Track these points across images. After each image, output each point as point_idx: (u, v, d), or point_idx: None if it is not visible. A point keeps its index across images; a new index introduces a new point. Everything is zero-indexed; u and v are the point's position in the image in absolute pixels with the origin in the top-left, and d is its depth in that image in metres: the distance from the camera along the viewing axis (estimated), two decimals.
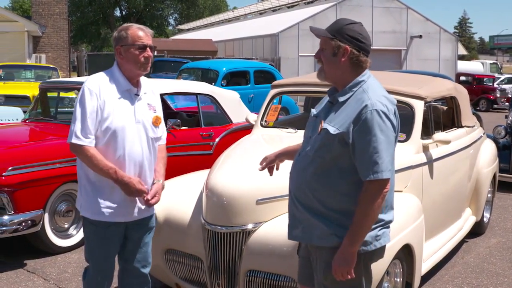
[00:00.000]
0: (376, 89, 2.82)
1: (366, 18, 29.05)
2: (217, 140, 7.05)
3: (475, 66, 38.93)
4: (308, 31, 3.06)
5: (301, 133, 4.91)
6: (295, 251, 3.60)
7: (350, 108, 2.78)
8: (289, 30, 29.53)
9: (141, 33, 3.36)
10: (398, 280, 4.16)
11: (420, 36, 32.29)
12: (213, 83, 12.69)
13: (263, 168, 3.35)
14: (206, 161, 6.35)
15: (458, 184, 5.64)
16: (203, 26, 53.23)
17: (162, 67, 19.13)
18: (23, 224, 5.35)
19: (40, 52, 25.44)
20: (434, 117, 5.33)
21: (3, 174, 5.22)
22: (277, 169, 3.36)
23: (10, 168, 5.26)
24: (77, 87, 7.18)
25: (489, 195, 6.82)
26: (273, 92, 5.70)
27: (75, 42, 59.06)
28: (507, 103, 23.25)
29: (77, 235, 5.89)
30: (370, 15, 30.77)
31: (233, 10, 59.69)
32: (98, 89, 3.30)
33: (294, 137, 5.04)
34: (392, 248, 3.64)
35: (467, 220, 6.09)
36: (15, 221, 5.30)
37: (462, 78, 27.57)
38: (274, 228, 3.83)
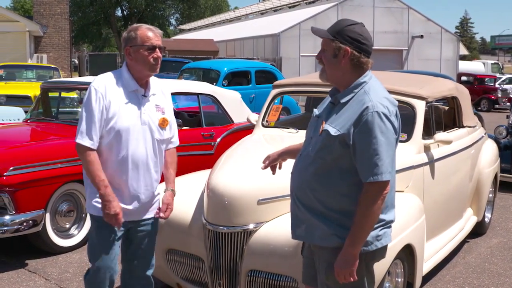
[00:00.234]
0: (377, 91, 2.82)
1: (367, 18, 29.07)
2: (218, 140, 7.05)
3: (477, 66, 38.90)
4: (310, 31, 3.06)
5: (302, 133, 4.91)
6: (297, 251, 3.61)
7: (351, 110, 2.78)
8: (290, 30, 29.52)
9: (151, 33, 3.35)
10: (400, 280, 4.16)
11: (422, 36, 32.27)
12: (215, 83, 12.69)
13: (266, 167, 3.35)
14: (207, 161, 6.36)
15: (459, 184, 5.64)
16: (204, 26, 53.25)
17: (163, 67, 18.92)
18: (25, 224, 5.35)
19: (42, 52, 25.44)
20: (435, 117, 5.32)
21: (5, 174, 5.22)
22: (279, 168, 3.37)
23: (11, 168, 5.26)
24: (78, 87, 7.21)
25: (490, 195, 6.82)
26: (274, 92, 5.70)
27: (76, 42, 59.10)
28: (508, 103, 23.26)
29: (79, 235, 5.89)
30: (372, 15, 30.77)
31: (234, 10, 59.73)
32: (104, 89, 3.30)
33: (295, 137, 5.04)
34: (393, 248, 3.64)
35: (469, 220, 6.09)
36: (17, 221, 5.30)
37: (464, 78, 27.55)
38: (275, 228, 3.83)
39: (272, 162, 3.33)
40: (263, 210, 3.89)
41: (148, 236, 3.54)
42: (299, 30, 29.27)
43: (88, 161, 3.26)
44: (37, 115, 7.23)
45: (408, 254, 4.13)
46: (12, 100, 12.66)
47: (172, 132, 3.58)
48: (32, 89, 13.19)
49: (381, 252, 2.92)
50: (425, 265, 4.66)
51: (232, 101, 7.67)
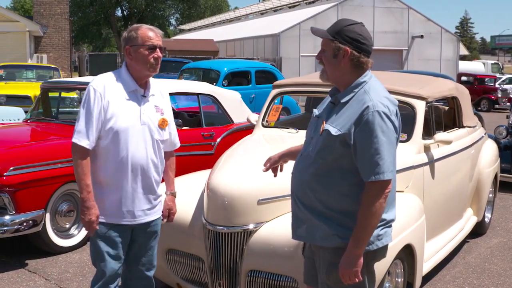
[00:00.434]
0: (377, 90, 2.82)
1: (367, 18, 29.08)
2: (218, 140, 7.05)
3: (477, 66, 38.90)
4: (310, 31, 3.06)
5: (302, 133, 4.91)
6: (297, 251, 3.61)
7: (351, 109, 2.78)
8: (290, 30, 29.53)
9: (151, 33, 3.34)
10: (399, 280, 4.16)
11: (422, 36, 32.27)
12: (215, 83, 12.69)
13: (267, 169, 3.34)
14: (208, 161, 6.36)
15: (459, 184, 5.64)
16: (204, 26, 53.26)
17: (163, 67, 18.96)
18: (25, 224, 5.35)
19: (42, 52, 25.45)
20: (435, 117, 5.32)
21: (5, 174, 5.22)
22: (281, 170, 3.36)
23: (11, 168, 5.26)
24: (78, 87, 7.21)
25: (490, 195, 6.82)
26: (274, 92, 5.70)
27: (76, 42, 59.12)
28: (508, 103, 23.26)
29: (79, 235, 5.89)
30: (372, 15, 30.77)
31: (234, 10, 59.74)
32: (103, 88, 3.28)
33: (295, 137, 5.04)
34: (393, 248, 3.64)
35: (469, 220, 6.09)
36: (17, 221, 5.30)
37: (464, 78, 27.56)
38: (275, 228, 3.83)
39: (273, 165, 3.33)
40: (263, 210, 3.89)
41: (150, 238, 3.53)
42: (299, 30, 29.27)
43: (79, 162, 3.25)
44: (37, 115, 7.23)
45: (408, 254, 4.13)
46: (12, 100, 12.67)
47: (172, 134, 3.57)
48: (32, 89, 13.20)
49: (382, 251, 2.93)
50: (425, 265, 4.66)
51: (232, 101, 7.67)
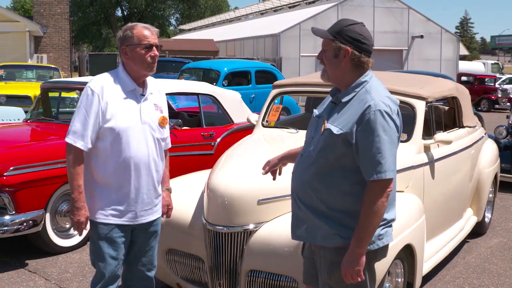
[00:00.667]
0: (379, 90, 2.83)
1: (367, 18, 29.08)
2: (218, 140, 7.05)
3: (477, 66, 38.90)
4: (310, 31, 3.06)
5: (302, 133, 4.91)
6: (297, 251, 3.61)
7: (353, 109, 2.78)
8: (290, 30, 29.52)
9: (147, 32, 3.32)
10: (400, 280, 4.16)
11: (422, 36, 32.27)
12: (215, 83, 12.69)
13: (266, 172, 3.33)
14: (208, 161, 6.36)
15: (459, 184, 5.64)
16: (204, 26, 53.24)
17: (163, 67, 19.12)
18: (25, 224, 5.35)
19: (42, 52, 25.46)
20: (435, 117, 5.32)
21: (5, 174, 5.22)
22: (279, 174, 3.35)
23: (11, 168, 5.26)
24: (78, 87, 7.20)
25: (490, 195, 6.82)
26: (274, 92, 5.70)
27: (76, 42, 59.10)
28: (508, 103, 23.26)
29: (79, 235, 5.88)
30: (372, 15, 30.77)
31: (234, 10, 59.73)
32: (101, 89, 3.26)
33: (295, 137, 5.04)
34: (393, 248, 3.64)
35: (469, 220, 6.09)
36: (17, 221, 5.31)
37: (464, 78, 27.55)
38: (275, 228, 3.83)
39: (273, 167, 3.32)
40: (263, 210, 3.89)
41: (151, 238, 3.52)
42: (299, 30, 29.27)
43: (72, 163, 3.24)
44: (37, 115, 7.23)
45: (408, 254, 4.13)
46: (12, 100, 12.67)
47: (168, 132, 3.58)
48: (32, 89, 13.19)
49: (383, 251, 2.93)
50: (425, 265, 4.66)
51: (232, 101, 7.67)
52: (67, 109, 9.06)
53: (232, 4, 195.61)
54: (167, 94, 6.91)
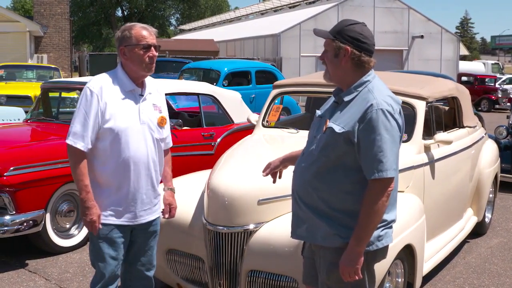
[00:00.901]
0: (381, 89, 2.83)
1: (367, 18, 29.06)
2: (218, 140, 7.05)
3: (477, 67, 38.88)
4: (310, 31, 3.08)
5: (302, 133, 4.92)
6: (297, 252, 3.61)
7: (355, 108, 2.79)
8: (290, 30, 29.52)
9: (145, 32, 3.32)
10: (400, 280, 4.16)
11: (422, 36, 32.26)
12: (215, 83, 12.69)
13: (267, 175, 3.32)
14: (208, 161, 6.36)
15: (459, 185, 5.64)
16: (204, 26, 53.24)
17: (163, 67, 19.13)
18: (25, 224, 5.35)
19: (42, 52, 25.46)
20: (435, 117, 5.32)
21: (5, 174, 5.22)
22: (279, 177, 3.33)
23: (11, 168, 5.26)
24: (78, 87, 7.20)
25: (490, 195, 6.82)
26: (274, 92, 5.70)
27: (76, 42, 59.16)
28: (508, 104, 23.24)
29: (79, 235, 5.90)
30: (372, 15, 30.77)
31: (234, 10, 59.72)
32: (100, 90, 3.26)
33: (295, 137, 5.04)
34: (393, 248, 3.64)
35: (469, 220, 6.09)
36: (17, 221, 5.31)
37: (464, 78, 27.55)
38: (275, 228, 3.83)
39: (274, 170, 3.31)
40: (263, 210, 3.89)
41: (150, 237, 3.52)
42: (299, 30, 29.27)
43: (76, 164, 3.24)
44: (38, 115, 7.24)
45: (408, 254, 4.13)
46: (12, 100, 12.67)
47: (168, 132, 3.58)
48: (32, 89, 13.20)
49: (382, 252, 2.93)
50: (425, 265, 4.66)
51: (232, 101, 7.67)
52: (68, 109, 9.06)
53: (232, 4, 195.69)
54: (167, 94, 6.94)
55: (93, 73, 23.00)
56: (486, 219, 6.73)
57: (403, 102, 4.77)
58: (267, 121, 5.57)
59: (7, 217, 5.28)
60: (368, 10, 30.94)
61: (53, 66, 18.45)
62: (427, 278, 5.01)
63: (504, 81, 31.12)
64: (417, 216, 4.27)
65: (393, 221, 2.94)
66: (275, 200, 3.91)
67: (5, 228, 5.26)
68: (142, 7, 59.36)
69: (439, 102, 6.13)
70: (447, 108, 6.44)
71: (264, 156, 4.70)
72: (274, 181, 3.36)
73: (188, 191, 4.42)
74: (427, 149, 4.90)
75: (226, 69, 14.52)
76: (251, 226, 3.86)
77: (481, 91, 26.52)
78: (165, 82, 7.79)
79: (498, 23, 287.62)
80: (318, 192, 2.84)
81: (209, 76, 14.76)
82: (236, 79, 14.78)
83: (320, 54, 2.98)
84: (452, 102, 6.04)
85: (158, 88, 3.54)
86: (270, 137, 5.35)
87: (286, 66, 27.46)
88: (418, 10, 33.05)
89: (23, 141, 6.29)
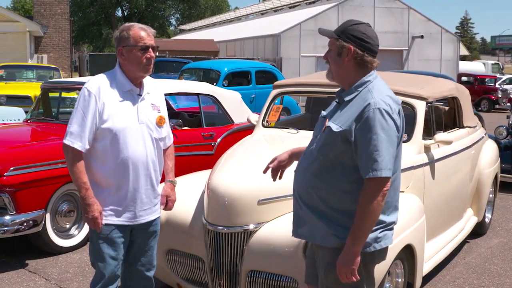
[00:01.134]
0: (381, 89, 2.84)
1: (368, 18, 29.03)
2: (218, 140, 7.05)
3: (477, 67, 38.87)
4: (310, 32, 3.09)
5: (302, 133, 4.92)
6: (297, 252, 3.61)
7: (354, 107, 2.80)
8: (290, 30, 29.51)
9: (143, 33, 3.32)
10: (400, 280, 4.16)
11: (422, 37, 32.25)
12: (215, 83, 12.69)
13: (274, 166, 3.23)
14: (208, 162, 6.36)
15: (459, 185, 5.64)
16: (204, 26, 53.24)
17: (163, 67, 19.13)
18: (25, 224, 5.36)
19: (42, 52, 25.46)
20: (435, 117, 5.32)
21: (5, 174, 5.22)
22: (280, 178, 3.28)
23: (11, 168, 5.27)
24: (78, 87, 7.19)
25: (490, 195, 6.82)
26: (274, 92, 5.70)
27: (76, 42, 59.16)
28: (508, 104, 23.24)
29: (79, 235, 5.89)
30: (372, 16, 30.76)
31: (234, 10, 59.72)
32: (98, 90, 3.26)
33: (295, 138, 5.04)
34: (393, 248, 3.64)
35: (469, 220, 6.09)
36: (17, 221, 5.31)
37: (464, 78, 27.54)
38: (275, 229, 3.83)
39: (280, 163, 3.26)
40: (263, 210, 3.89)
41: (150, 237, 3.52)
42: (299, 30, 29.26)
43: (73, 163, 3.25)
44: (38, 115, 7.24)
45: (408, 254, 4.13)
46: (12, 100, 12.67)
47: (167, 130, 3.57)
48: (32, 89, 13.20)
49: (381, 254, 2.92)
50: (426, 265, 4.66)
51: (232, 101, 7.67)
52: (68, 109, 9.05)
53: (232, 4, 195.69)
54: (167, 94, 6.94)
55: (93, 73, 22.99)
56: (486, 219, 6.73)
57: (403, 102, 4.77)
58: (267, 121, 5.57)
59: (7, 217, 5.28)
60: (368, 10, 30.94)
61: (53, 66, 18.45)
62: (427, 278, 5.01)
63: (504, 81, 31.12)
64: (417, 216, 4.27)
65: (393, 223, 2.93)
66: (275, 200, 3.91)
67: (5, 228, 5.27)
68: (142, 7, 59.35)
69: (439, 102, 6.13)
70: (447, 108, 6.44)
71: (264, 156, 4.69)
72: (274, 180, 3.34)
73: (188, 191, 4.42)
74: (427, 149, 4.90)
75: (226, 69, 14.52)
76: (251, 226, 3.86)
77: (481, 91, 26.52)
78: (165, 82, 7.79)
79: (498, 23, 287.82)
80: (317, 191, 2.84)
81: (209, 76, 14.76)
82: (236, 79, 14.78)
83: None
84: (452, 102, 6.04)
85: (156, 88, 3.54)
86: (270, 137, 5.35)
87: (286, 66, 27.45)
88: (418, 10, 33.06)
89: (23, 141, 6.29)
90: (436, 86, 5.57)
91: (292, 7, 40.27)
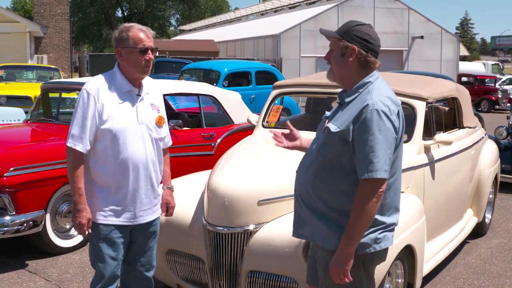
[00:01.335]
0: (381, 90, 2.84)
1: (367, 19, 29.00)
2: (218, 140, 7.05)
3: (477, 67, 38.85)
4: (310, 32, 3.09)
5: (302, 133, 4.92)
6: (297, 252, 3.62)
7: (353, 108, 2.80)
8: (290, 31, 29.51)
9: (142, 34, 3.31)
10: (400, 281, 4.16)
11: (422, 37, 32.25)
12: (215, 84, 12.68)
13: (287, 134, 3.23)
14: (208, 162, 6.36)
15: (459, 185, 5.64)
16: (204, 26, 53.26)
17: (163, 67, 19.13)
18: (25, 224, 5.36)
19: (42, 53, 25.45)
20: (435, 117, 5.32)
21: (5, 174, 5.22)
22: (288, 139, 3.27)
23: (11, 168, 5.27)
24: (78, 87, 7.19)
25: (490, 196, 6.82)
26: (274, 92, 5.70)
27: (76, 42, 59.16)
28: (508, 104, 23.24)
29: (79, 236, 5.89)
30: (372, 16, 30.76)
31: (234, 10, 59.71)
32: (97, 91, 3.27)
33: None
34: (393, 249, 3.64)
35: (469, 221, 6.09)
36: (17, 221, 5.31)
37: (464, 79, 27.53)
38: (275, 229, 3.83)
39: (296, 135, 3.23)
40: (263, 211, 3.89)
41: (150, 238, 3.52)
42: (299, 31, 29.26)
43: (73, 166, 3.27)
44: (38, 116, 7.24)
45: (408, 254, 4.13)
46: (12, 100, 12.67)
47: (166, 131, 3.58)
48: (32, 89, 13.20)
49: (381, 255, 2.92)
50: (426, 265, 4.66)
51: (232, 102, 7.68)
52: (68, 110, 9.06)
53: (232, 5, 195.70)
54: (167, 94, 6.95)
55: (93, 74, 22.97)
56: (486, 220, 6.73)
57: (403, 103, 4.78)
58: (267, 122, 5.57)
59: (7, 218, 5.28)
60: (368, 11, 30.94)
61: (53, 66, 18.44)
62: (427, 278, 5.01)
63: (504, 81, 31.13)
64: (417, 217, 4.27)
65: (394, 224, 2.93)
66: (275, 200, 3.91)
67: (5, 228, 5.27)
68: (142, 8, 59.35)
69: (439, 102, 6.13)
70: (447, 108, 6.44)
71: (264, 156, 4.71)
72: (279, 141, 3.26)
73: (188, 191, 4.42)
74: (427, 149, 4.90)
75: (226, 69, 14.52)
76: (251, 227, 3.86)
77: (481, 92, 26.52)
78: (165, 82, 7.80)
79: (498, 23, 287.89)
80: (317, 191, 2.85)
81: (209, 76, 14.76)
82: (236, 80, 14.78)
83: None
84: (452, 102, 6.04)
85: (155, 88, 3.54)
86: (270, 138, 5.33)
87: (286, 66, 27.45)
88: (418, 11, 33.06)
89: (23, 141, 6.29)
90: (436, 87, 5.57)
91: (292, 7, 40.27)
